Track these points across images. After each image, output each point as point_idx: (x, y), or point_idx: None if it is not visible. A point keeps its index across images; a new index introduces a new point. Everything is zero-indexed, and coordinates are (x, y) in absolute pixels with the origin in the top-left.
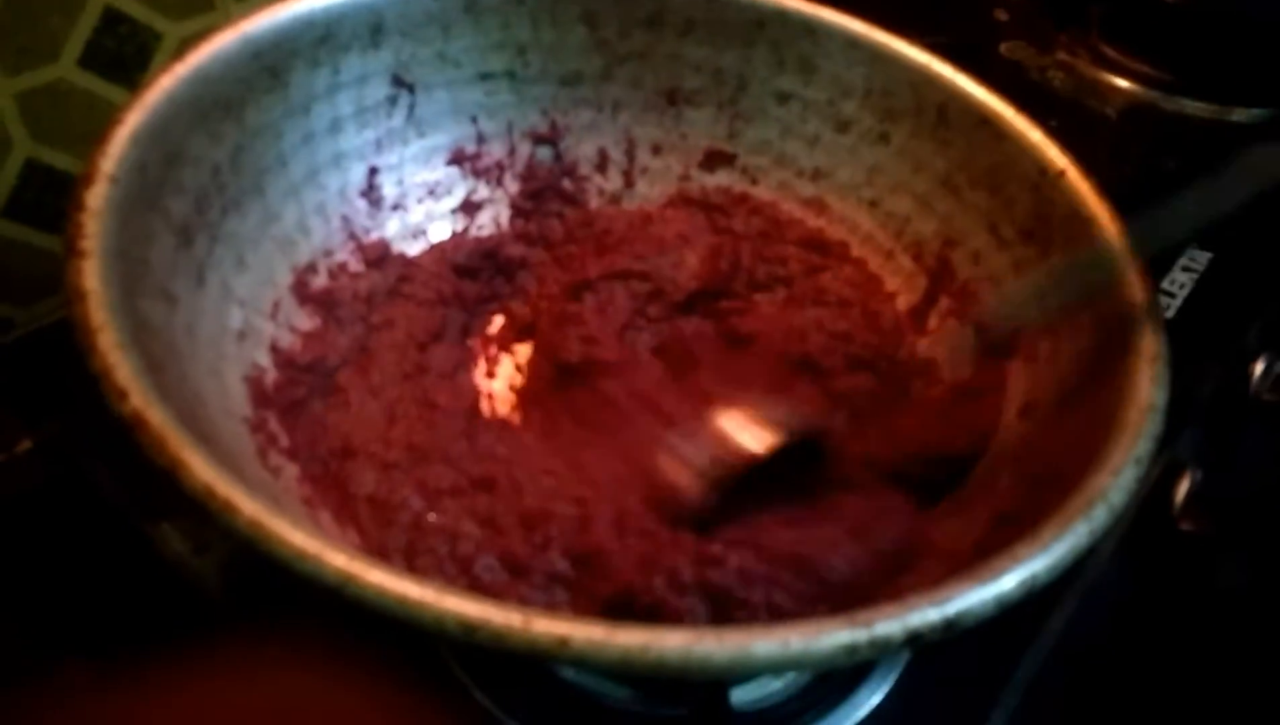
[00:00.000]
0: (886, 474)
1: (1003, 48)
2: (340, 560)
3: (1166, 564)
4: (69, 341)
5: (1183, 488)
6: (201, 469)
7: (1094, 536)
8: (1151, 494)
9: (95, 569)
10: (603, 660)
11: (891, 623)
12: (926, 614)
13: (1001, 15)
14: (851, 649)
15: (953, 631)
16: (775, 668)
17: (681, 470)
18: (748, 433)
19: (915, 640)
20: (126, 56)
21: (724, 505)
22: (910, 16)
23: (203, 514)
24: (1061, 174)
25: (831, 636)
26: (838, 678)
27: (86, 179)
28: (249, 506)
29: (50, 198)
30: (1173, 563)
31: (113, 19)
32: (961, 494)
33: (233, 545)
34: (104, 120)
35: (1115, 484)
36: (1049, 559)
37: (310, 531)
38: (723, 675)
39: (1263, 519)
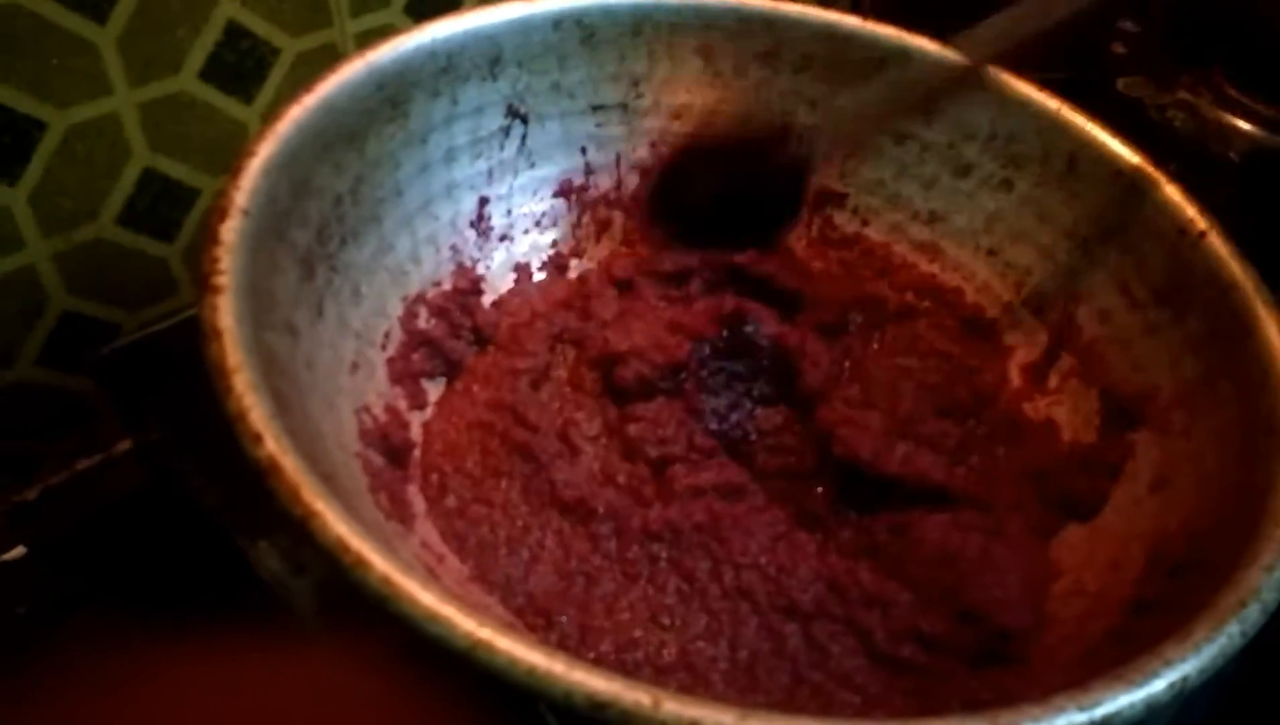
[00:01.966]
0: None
1: (1120, 84)
2: (470, 626)
3: None
4: (176, 348)
5: None
6: (335, 522)
7: (1246, 637)
8: None
9: (188, 578)
10: None
11: None
12: (1073, 717)
13: (1119, 49)
14: None
15: None
16: None
17: None
18: None
19: None
20: (245, 71)
21: None
22: (1027, 51)
23: (316, 548)
24: (1202, 235)
25: None
26: None
27: (220, 212)
28: (381, 564)
29: (164, 206)
30: None
31: (235, 33)
32: (1086, 570)
33: (330, 568)
34: (221, 132)
35: (1269, 581)
36: (1200, 661)
37: (440, 592)
38: None
39: None
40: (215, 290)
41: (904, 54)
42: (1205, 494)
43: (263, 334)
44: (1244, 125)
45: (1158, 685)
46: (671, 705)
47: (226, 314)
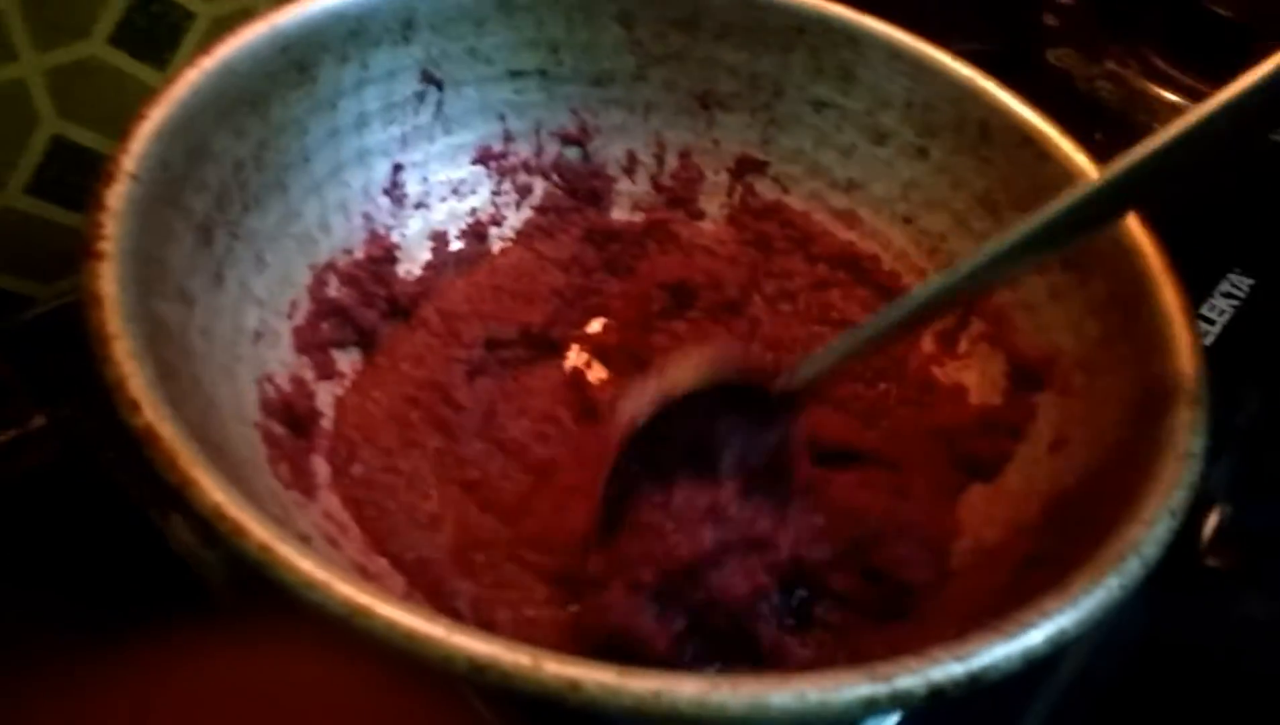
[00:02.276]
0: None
1: (1050, 55)
2: (348, 592)
3: (1190, 599)
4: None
5: (1211, 522)
6: (211, 489)
7: (1125, 590)
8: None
9: (101, 552)
10: (614, 706)
11: (913, 677)
12: (949, 669)
13: (1051, 21)
14: (870, 702)
15: (976, 686)
16: (791, 720)
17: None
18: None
19: (938, 695)
20: (158, 35)
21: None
22: (957, 21)
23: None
24: None
25: (850, 690)
26: None
27: (107, 177)
28: (258, 531)
29: (75, 175)
30: (1196, 598)
31: None
32: (986, 526)
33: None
34: (132, 99)
35: (1149, 535)
36: (1077, 613)
37: (320, 559)
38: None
39: None
40: (97, 256)
41: (822, 22)
42: (1100, 453)
43: (151, 301)
44: (1170, 96)
45: (1035, 637)
46: (552, 665)
47: (109, 281)
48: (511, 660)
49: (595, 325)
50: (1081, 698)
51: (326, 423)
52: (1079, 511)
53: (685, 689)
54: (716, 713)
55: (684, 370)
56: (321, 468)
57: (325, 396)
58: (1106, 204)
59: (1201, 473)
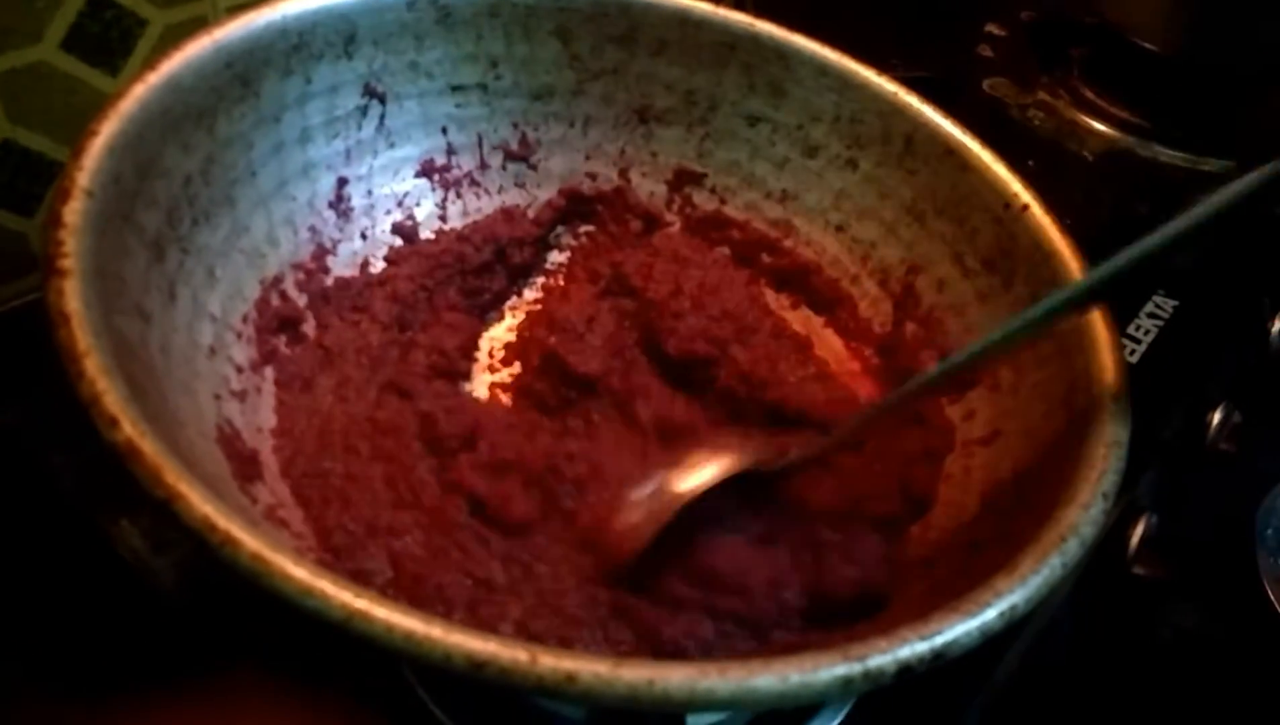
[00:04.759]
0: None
1: (985, 84)
2: (346, 597)
3: (1118, 606)
4: (35, 326)
5: (1138, 531)
6: (200, 502)
7: (1066, 569)
8: (1108, 536)
9: (49, 560)
10: (609, 696)
11: (883, 656)
12: (915, 647)
13: (986, 51)
14: (846, 682)
15: (940, 662)
16: (775, 701)
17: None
18: (683, 475)
19: (906, 672)
20: (111, 41)
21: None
22: (895, 49)
23: (182, 531)
24: (1025, 208)
25: (828, 671)
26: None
27: (64, 194)
28: (251, 542)
29: (23, 180)
30: (1125, 605)
31: (99, 3)
32: (930, 518)
33: (191, 545)
34: (84, 104)
35: (1086, 517)
36: (1027, 591)
37: (312, 567)
38: (725, 708)
39: (1214, 565)
40: (60, 273)
41: (753, 40)
42: (1032, 443)
43: (113, 319)
44: (1099, 126)
45: (990, 614)
46: (548, 659)
47: (73, 298)
48: (509, 656)
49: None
50: (1016, 702)
51: (277, 425)
52: (1016, 498)
53: (676, 676)
54: (706, 696)
55: (723, 461)
56: (279, 487)
57: (273, 406)
58: (1089, 299)
59: (1128, 483)
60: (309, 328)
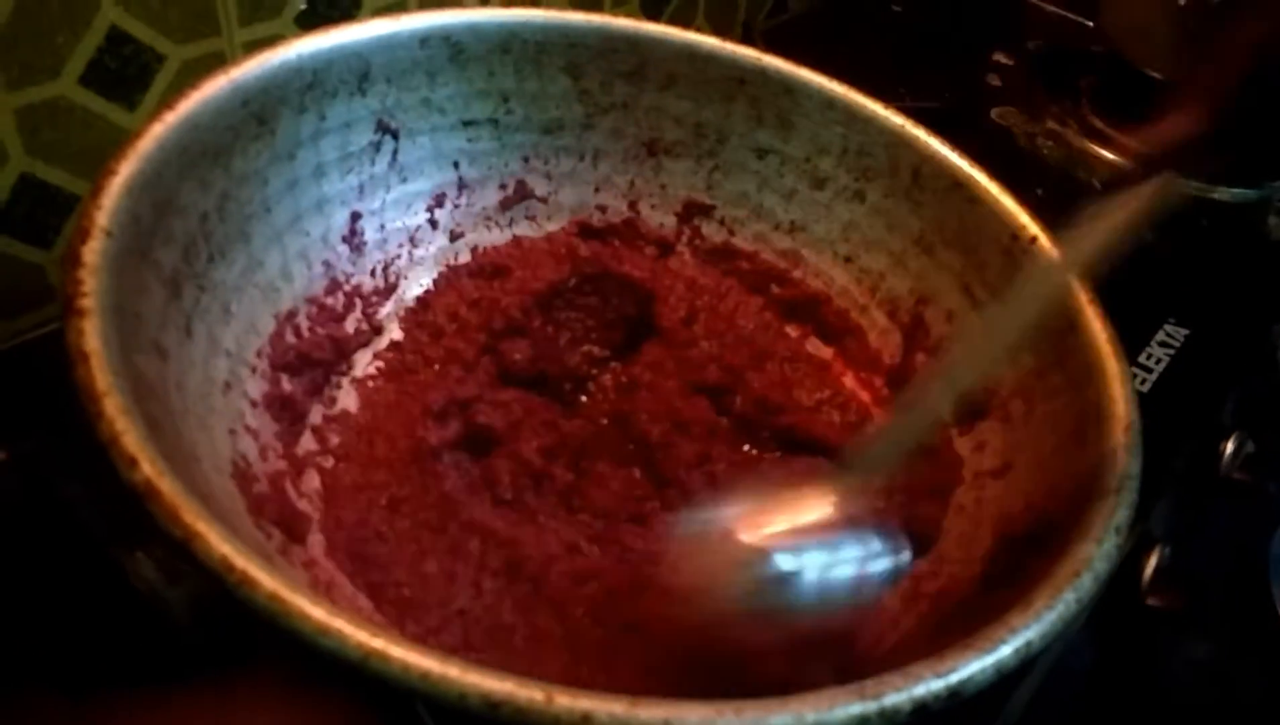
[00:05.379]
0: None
1: (994, 113)
2: (363, 637)
3: (1132, 638)
4: (53, 357)
5: (1151, 563)
6: (218, 542)
7: (1081, 604)
8: (1121, 567)
9: (64, 590)
10: None
11: (899, 694)
12: (931, 685)
13: (994, 81)
14: (862, 720)
15: (955, 700)
16: None
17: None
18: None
19: (922, 710)
20: (128, 77)
21: None
22: (903, 80)
23: (200, 570)
24: (1033, 239)
25: (844, 709)
26: None
27: (83, 233)
28: (268, 581)
29: (41, 213)
30: (1138, 637)
31: (117, 39)
32: (941, 551)
33: (206, 578)
34: (102, 139)
35: (1099, 552)
36: (1041, 627)
37: (329, 607)
38: None
39: (1228, 596)
40: (80, 313)
41: (761, 74)
42: (1043, 476)
43: (131, 357)
44: (1107, 154)
45: (1005, 651)
46: (564, 699)
47: (93, 337)
48: (525, 696)
49: None
50: None
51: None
52: (1028, 532)
53: (692, 716)
54: None
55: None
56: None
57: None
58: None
59: (1140, 514)
60: (327, 362)
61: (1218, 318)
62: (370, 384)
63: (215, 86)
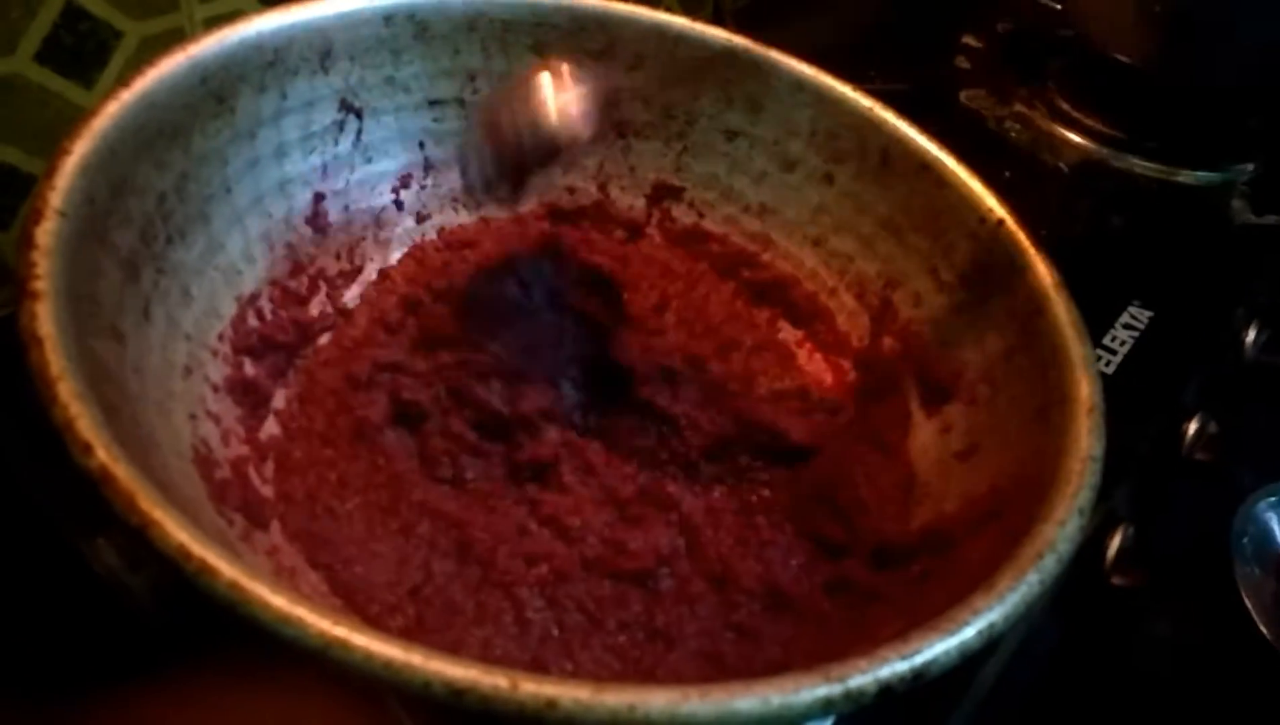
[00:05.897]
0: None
1: (963, 96)
2: (324, 625)
3: (1097, 617)
4: (7, 341)
5: (1116, 542)
6: (175, 529)
7: (1044, 585)
8: (1085, 547)
9: (23, 577)
10: (590, 721)
11: (864, 676)
12: (895, 666)
13: (963, 64)
14: (827, 702)
15: (920, 682)
16: (756, 723)
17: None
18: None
19: (887, 692)
20: (85, 54)
21: None
22: (874, 62)
23: (157, 557)
24: (1000, 223)
25: (809, 692)
26: None
27: (36, 215)
28: (227, 569)
29: None
30: (1103, 616)
31: (74, 15)
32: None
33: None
34: (59, 117)
35: (1062, 534)
36: (1005, 609)
37: (289, 595)
38: None
39: (1191, 574)
40: (33, 296)
41: (729, 55)
42: (1008, 458)
43: (87, 340)
44: (1074, 137)
45: (969, 632)
46: (528, 685)
47: (47, 321)
48: (489, 683)
49: None
50: (995, 715)
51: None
52: (992, 513)
53: (657, 700)
54: (687, 720)
55: None
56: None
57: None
58: None
59: (1104, 495)
60: (289, 346)
61: (1181, 300)
62: (321, 357)
63: (174, 64)
